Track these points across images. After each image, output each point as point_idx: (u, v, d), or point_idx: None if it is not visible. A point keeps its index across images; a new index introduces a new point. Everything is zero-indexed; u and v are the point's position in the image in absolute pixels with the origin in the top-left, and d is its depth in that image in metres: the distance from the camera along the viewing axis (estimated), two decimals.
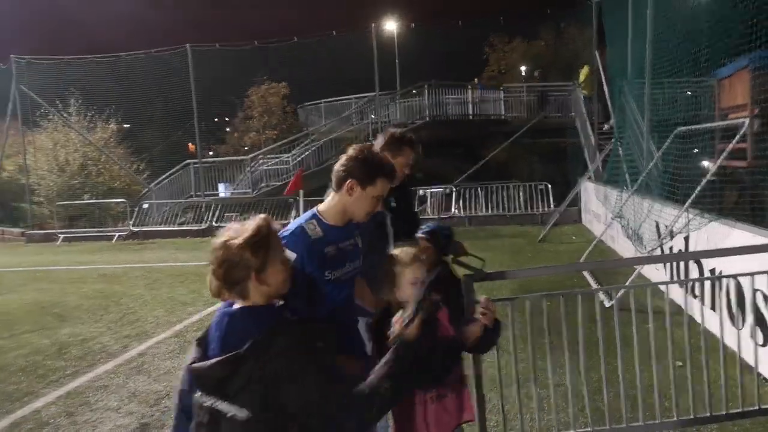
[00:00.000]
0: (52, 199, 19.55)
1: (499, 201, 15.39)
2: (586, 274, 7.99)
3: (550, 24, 27.45)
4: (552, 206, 14.56)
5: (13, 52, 19.12)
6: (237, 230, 1.78)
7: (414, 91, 21.40)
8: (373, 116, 19.59)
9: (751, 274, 3.51)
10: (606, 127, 14.50)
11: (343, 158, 2.44)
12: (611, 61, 12.27)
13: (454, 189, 15.71)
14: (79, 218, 19.45)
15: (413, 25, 23.47)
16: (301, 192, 11.87)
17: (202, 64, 19.66)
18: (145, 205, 18.31)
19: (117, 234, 17.18)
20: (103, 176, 20.96)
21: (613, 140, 11.65)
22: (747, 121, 6.03)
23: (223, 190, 20.39)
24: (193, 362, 1.72)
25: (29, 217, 19.34)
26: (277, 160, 20.29)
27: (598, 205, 11.52)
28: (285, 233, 2.31)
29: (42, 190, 20.09)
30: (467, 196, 15.65)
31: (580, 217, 14.06)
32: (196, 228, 16.85)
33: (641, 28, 9.05)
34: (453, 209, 15.31)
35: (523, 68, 31.27)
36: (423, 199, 15.60)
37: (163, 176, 20.37)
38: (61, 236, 17.64)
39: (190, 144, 29.89)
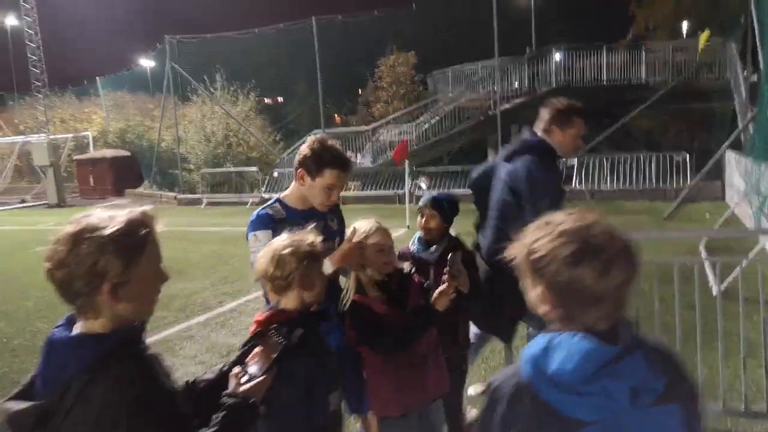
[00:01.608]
0: (200, 166, 21.67)
1: (626, 174, 14.15)
2: (702, 251, 7.10)
3: None
4: (690, 180, 13.06)
5: (167, 33, 21.26)
6: (101, 220, 1.32)
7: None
8: (495, 87, 18.81)
9: None
10: None
11: (301, 148, 2.54)
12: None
13: (576, 160, 14.71)
14: (221, 184, 21.39)
15: None
16: (407, 161, 11.92)
17: (329, 36, 20.31)
18: (275, 174, 19.58)
19: (250, 200, 18.63)
20: (242, 146, 22.72)
21: (757, 105, 10.07)
22: None
23: (367, 160, 20.83)
24: (11, 397, 1.33)
25: (180, 183, 21.66)
26: (397, 130, 20.45)
27: (741, 181, 10.11)
28: (252, 226, 2.51)
29: (192, 158, 22.32)
30: (590, 167, 14.58)
31: (724, 194, 12.47)
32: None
33: None
34: (573, 182, 14.37)
35: (684, 24, 28.01)
36: None
37: (294, 146, 21.55)
38: (205, 200, 19.57)
39: (336, 115, 31.35)
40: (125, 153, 25.65)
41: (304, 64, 21.85)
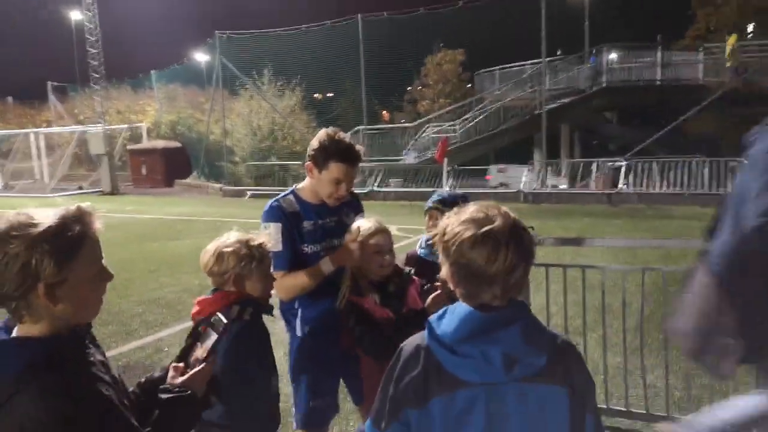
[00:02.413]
0: (245, 159, 22.13)
1: (677, 178, 13.59)
2: None
3: None
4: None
5: (219, 29, 21.79)
6: (32, 217, 1.21)
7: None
8: (540, 85, 18.40)
9: None
10: None
11: (312, 141, 2.49)
12: None
13: (625, 162, 14.23)
14: (265, 177, 21.78)
15: None
16: (446, 160, 11.80)
17: (376, 34, 20.35)
18: None
19: None
20: (287, 140, 23.05)
21: None
22: None
23: (410, 157, 20.80)
24: None
25: (226, 175, 22.16)
26: (440, 128, 20.30)
27: None
28: (266, 216, 2.47)
29: (238, 151, 22.81)
30: (639, 170, 14.08)
31: None
32: (358, 191, 17.66)
33: None
34: (620, 184, 13.90)
35: (750, 26, 26.71)
36: (587, 173, 14.45)
37: None
38: (249, 192, 19.95)
39: (384, 112, 31.47)
40: (176, 144, 26.46)
41: (351, 60, 21.96)
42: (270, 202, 2.51)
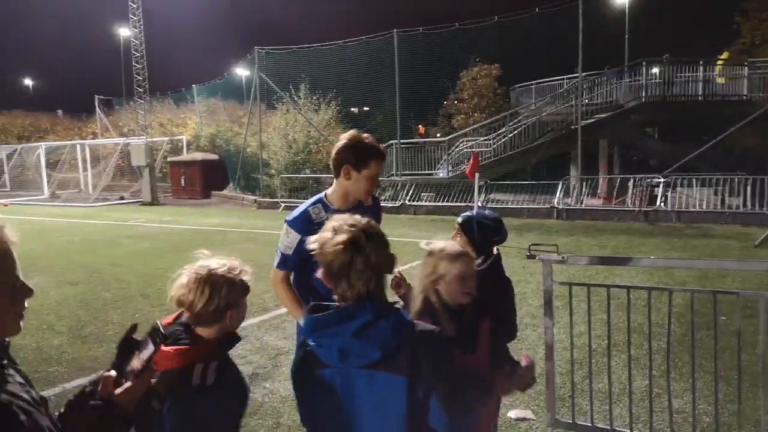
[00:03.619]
0: (280, 171, 22.47)
1: (718, 196, 13.16)
2: None
3: None
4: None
5: (258, 44, 22.29)
6: None
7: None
8: (577, 99, 18.13)
9: None
10: None
11: (336, 147, 2.64)
12: None
13: (662, 179, 13.86)
14: (299, 190, 22.05)
15: None
16: (477, 175, 11.72)
17: (411, 48, 20.47)
18: None
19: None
20: (321, 154, 23.32)
21: None
22: None
23: (442, 172, 20.74)
24: None
25: (261, 187, 22.54)
26: (473, 142, 20.21)
27: None
28: (290, 217, 2.64)
29: (273, 164, 23.19)
30: (679, 187, 13.69)
31: None
32: (390, 205, 17.78)
33: None
34: (658, 202, 13.54)
35: None
36: (624, 189, 14.13)
37: None
38: (283, 205, 20.22)
39: (420, 126, 31.60)
40: (214, 156, 27.08)
41: (386, 75, 22.12)
42: (300, 208, 2.67)
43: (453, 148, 20.70)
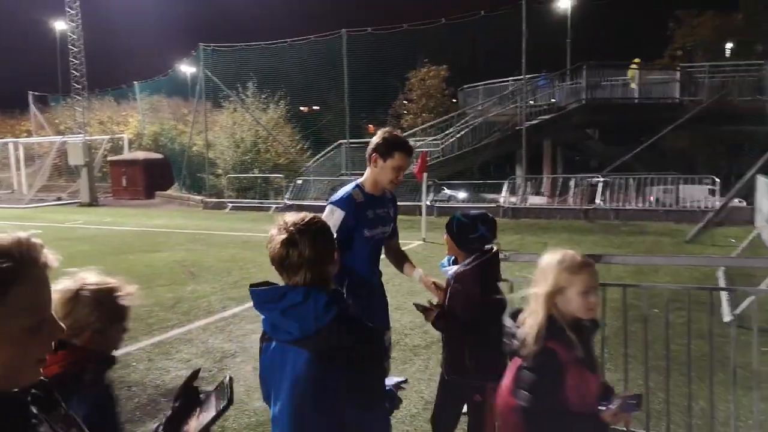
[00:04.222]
0: (227, 171, 22.05)
1: (652, 194, 13.81)
2: (720, 277, 6.86)
3: None
4: (718, 204, 12.68)
5: (205, 41, 21.80)
6: None
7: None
8: (519, 101, 18.64)
9: None
10: None
11: (372, 139, 2.97)
12: None
13: (602, 179, 14.43)
14: (247, 190, 21.71)
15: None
16: (425, 174, 11.87)
17: (360, 48, 20.49)
18: (299, 181, 19.77)
19: (274, 206, 18.82)
20: (270, 153, 23.03)
21: None
22: None
23: None
24: None
25: (207, 187, 22.05)
26: (422, 142, 20.43)
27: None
28: (335, 198, 2.93)
29: (220, 163, 22.72)
30: (616, 187, 14.29)
31: (753, 219, 12.04)
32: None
33: None
34: (597, 200, 14.08)
35: (727, 45, 27.39)
36: (565, 189, 14.62)
37: (319, 155, 21.76)
38: (230, 205, 19.85)
39: (370, 126, 31.61)
40: (158, 155, 26.28)
41: (335, 74, 22.06)
42: (344, 190, 2.96)
43: None
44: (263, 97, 23.41)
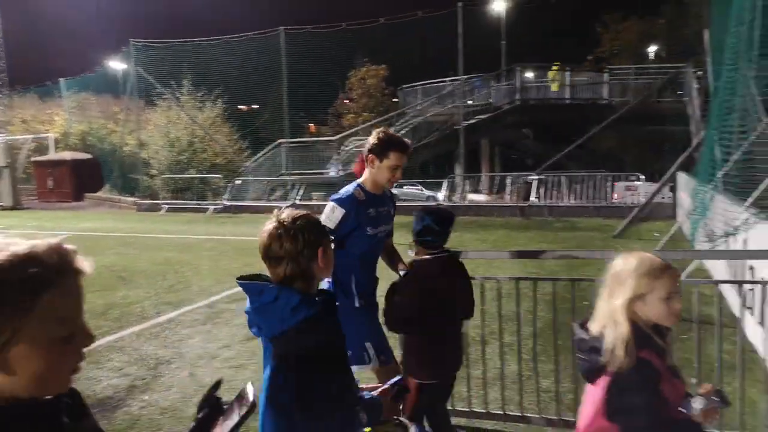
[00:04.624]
0: (163, 171, 21.33)
1: (584, 191, 14.42)
2: None
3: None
4: (643, 199, 13.37)
5: (137, 36, 21.00)
6: None
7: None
8: (459, 101, 19.02)
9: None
10: None
11: (368, 139, 3.02)
12: (716, 41, 10.86)
13: (536, 176, 14.93)
14: (184, 191, 21.07)
15: (508, 2, 22.23)
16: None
17: (299, 47, 20.30)
18: (238, 181, 19.39)
19: (212, 207, 18.37)
20: (207, 153, 22.44)
21: (705, 130, 10.39)
22: None
23: (332, 171, 20.73)
24: None
25: (141, 188, 21.26)
26: (362, 141, 20.48)
27: (689, 200, 10.38)
28: (337, 196, 2.97)
29: (154, 163, 21.95)
30: (550, 184, 14.82)
31: (675, 213, 12.78)
32: (281, 205, 17.50)
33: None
34: (533, 198, 14.56)
35: (650, 48, 28.87)
36: (502, 186, 15.03)
37: (259, 154, 21.42)
38: (165, 206, 19.21)
39: (311, 125, 31.29)
40: (86, 156, 25.07)
41: (274, 73, 21.75)
42: (347, 189, 3.01)
43: (343, 146, 20.83)
44: (200, 95, 22.78)
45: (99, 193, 23.51)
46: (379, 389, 1.93)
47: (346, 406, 1.77)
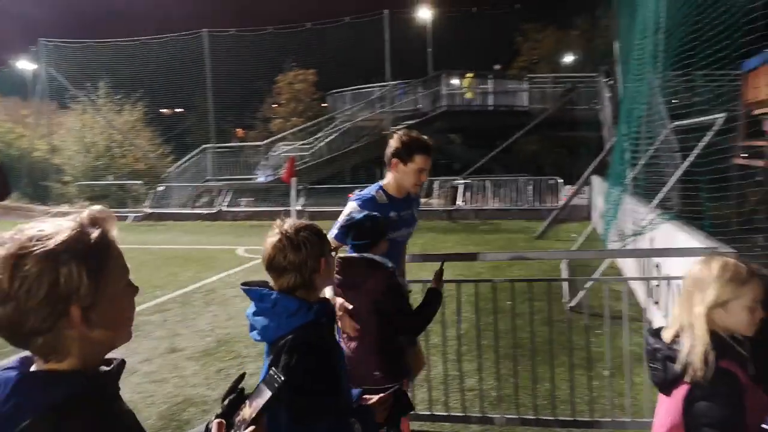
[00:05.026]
0: (78, 178, 20.19)
1: (507, 195, 14.96)
2: (563, 269, 7.60)
3: (586, 12, 26.47)
4: (561, 202, 14.05)
5: (49, 36, 19.79)
6: (42, 230, 0.98)
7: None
8: (387, 106, 19.26)
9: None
10: None
11: (389, 143, 2.97)
12: (624, 52, 11.60)
13: (462, 181, 15.35)
14: (102, 198, 20.02)
15: (433, 11, 22.77)
16: (294, 179, 11.80)
17: (224, 50, 19.86)
18: (161, 188, 18.67)
19: (132, 215, 17.58)
20: (127, 158, 21.48)
21: (615, 135, 11.06)
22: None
23: (261, 176, 20.32)
24: None
25: (53, 195, 20.03)
26: (291, 147, 20.31)
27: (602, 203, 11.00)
28: (357, 198, 2.94)
29: (68, 169, 20.75)
30: (475, 188, 15.27)
31: (590, 215, 13.50)
32: (206, 212, 17.05)
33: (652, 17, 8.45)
34: (459, 201, 14.95)
35: (570, 58, 30.27)
36: (429, 191, 15.33)
37: (182, 160, 20.73)
38: None
39: (239, 130, 30.48)
40: None
41: (199, 76, 21.17)
42: (368, 191, 2.99)
43: (271, 152, 20.54)
44: (118, 98, 21.77)
45: (6, 202, 21.87)
46: (376, 398, 1.88)
47: (341, 418, 1.75)
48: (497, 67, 22.24)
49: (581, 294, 5.84)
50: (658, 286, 5.09)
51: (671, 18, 7.11)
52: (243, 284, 1.82)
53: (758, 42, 5.05)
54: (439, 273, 2.83)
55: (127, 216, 17.58)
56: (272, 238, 1.79)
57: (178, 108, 26.54)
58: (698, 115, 6.64)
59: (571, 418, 3.60)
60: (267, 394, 1.34)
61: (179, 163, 20.81)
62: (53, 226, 0.99)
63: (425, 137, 3.01)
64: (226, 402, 1.37)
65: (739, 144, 8.46)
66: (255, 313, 1.78)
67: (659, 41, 7.77)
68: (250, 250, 10.92)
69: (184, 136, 22.73)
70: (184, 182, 19.82)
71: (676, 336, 1.79)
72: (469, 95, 19.17)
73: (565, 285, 6.48)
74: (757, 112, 8.47)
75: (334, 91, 25.84)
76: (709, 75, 7.35)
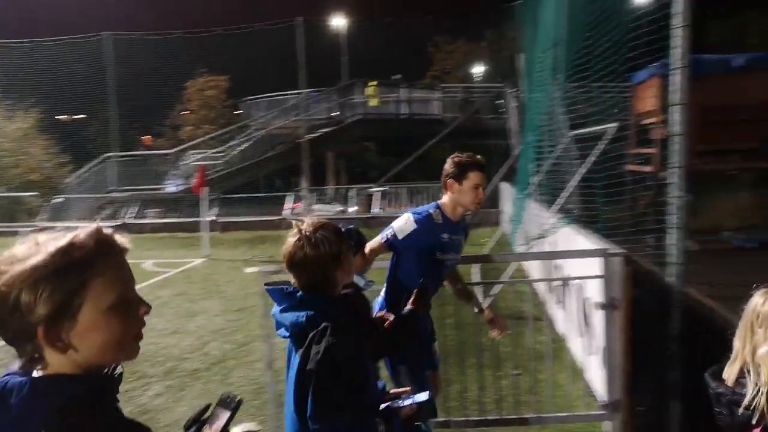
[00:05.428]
0: None
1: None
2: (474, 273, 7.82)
3: (492, 25, 27.66)
4: None
5: None
6: (28, 248, 0.99)
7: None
8: (301, 114, 19.14)
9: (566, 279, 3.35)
10: None
11: (444, 167, 3.04)
12: (528, 64, 12.22)
13: (378, 188, 15.53)
14: None
15: (347, 19, 22.97)
16: (206, 189, 11.43)
17: (130, 54, 18.93)
18: (59, 200, 17.45)
19: (25, 229, 16.28)
20: (19, 168, 19.90)
21: (521, 144, 11.63)
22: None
23: (171, 186, 19.42)
24: None
25: None
26: (203, 155, 19.68)
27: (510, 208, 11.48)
28: (416, 211, 3.02)
29: None
30: (391, 195, 15.48)
31: (499, 220, 14.04)
32: (109, 224, 16.05)
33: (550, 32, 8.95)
34: (375, 209, 15.09)
35: (479, 69, 31.40)
36: (347, 198, 15.37)
37: (82, 169, 19.50)
38: None
39: (147, 137, 28.96)
40: None
41: (102, 81, 20.01)
42: (426, 208, 3.05)
43: (181, 160, 19.76)
44: (8, 103, 20.14)
45: None
46: (405, 404, 1.86)
47: (365, 416, 1.80)
48: (398, 76, 22.58)
49: (489, 299, 6.06)
50: (560, 286, 5.38)
51: (570, 33, 7.59)
52: (266, 284, 1.96)
53: (643, 57, 5.49)
54: (420, 292, 2.33)
55: (18, 231, 16.25)
56: (292, 237, 1.89)
57: (79, 114, 24.97)
58: (594, 124, 7.10)
59: (481, 417, 3.70)
60: (226, 414, 1.34)
61: (78, 172, 19.55)
62: (39, 246, 1.00)
63: (477, 156, 3.10)
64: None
65: (630, 151, 9.15)
66: (282, 310, 1.88)
67: (558, 54, 8.26)
68: (160, 263, 10.40)
69: (84, 144, 21.36)
70: (84, 193, 18.62)
71: (740, 376, 1.68)
72: (373, 103, 19.44)
73: (480, 288, 6.67)
74: (645, 121, 9.16)
75: (248, 98, 25.31)
76: (603, 86, 7.88)
